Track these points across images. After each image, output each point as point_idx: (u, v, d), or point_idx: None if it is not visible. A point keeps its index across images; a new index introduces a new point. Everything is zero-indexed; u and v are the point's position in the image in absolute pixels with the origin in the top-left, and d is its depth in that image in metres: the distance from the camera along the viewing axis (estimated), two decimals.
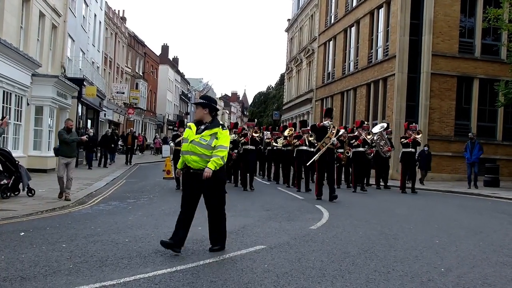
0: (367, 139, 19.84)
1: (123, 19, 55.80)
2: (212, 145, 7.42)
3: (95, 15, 38.02)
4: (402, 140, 20.22)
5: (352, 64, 37.67)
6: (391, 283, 6.02)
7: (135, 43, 59.75)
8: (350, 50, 38.36)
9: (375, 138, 20.43)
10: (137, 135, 53.77)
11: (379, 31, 33.10)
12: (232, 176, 21.01)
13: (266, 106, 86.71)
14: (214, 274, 6.20)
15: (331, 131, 15.53)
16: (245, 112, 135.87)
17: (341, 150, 20.21)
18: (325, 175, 15.83)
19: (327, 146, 15.31)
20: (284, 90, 65.77)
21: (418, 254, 7.76)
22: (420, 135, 20.40)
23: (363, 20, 35.34)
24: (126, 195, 15.98)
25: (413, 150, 19.98)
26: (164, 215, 11.66)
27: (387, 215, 12.59)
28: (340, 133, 16.14)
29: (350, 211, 12.93)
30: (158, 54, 76.76)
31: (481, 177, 24.34)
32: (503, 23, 24.88)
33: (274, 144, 22.16)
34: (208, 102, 7.74)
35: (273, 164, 23.76)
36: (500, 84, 25.39)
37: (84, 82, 30.16)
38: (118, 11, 54.33)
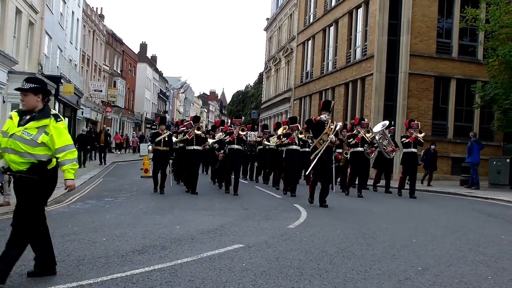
0: (366, 138, 17.84)
1: (101, 16, 55.35)
2: (39, 141, 5.71)
3: (72, 12, 37.68)
4: (403, 139, 18.41)
5: (330, 63, 37.81)
6: (369, 282, 6.04)
7: (113, 41, 59.33)
8: (328, 50, 38.50)
9: (377, 137, 18.50)
10: (116, 133, 53.60)
11: (357, 31, 33.27)
12: (217, 179, 19.60)
13: (245, 105, 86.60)
14: (192, 273, 6.17)
15: (329, 127, 13.63)
16: (223, 111, 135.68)
17: (340, 150, 18.06)
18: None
19: (325, 144, 13.41)
20: (263, 89, 65.78)
21: (395, 253, 7.81)
22: (423, 134, 18.65)
23: (341, 20, 35.49)
24: (104, 194, 15.89)
25: (414, 150, 18.17)
26: (141, 214, 11.62)
27: (365, 214, 12.63)
28: (338, 127, 14.14)
29: (328, 210, 12.96)
30: (136, 52, 76.29)
31: (457, 176, 24.58)
32: (480, 23, 25.08)
33: (266, 143, 20.33)
34: (41, 87, 6.01)
35: (263, 165, 22.34)
36: (476, 85, 25.66)
37: (62, 80, 29.92)
38: (96, 8, 53.87)
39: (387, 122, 19.42)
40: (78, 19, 40.04)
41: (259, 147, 21.14)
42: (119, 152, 47.88)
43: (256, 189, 19.15)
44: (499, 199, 17.35)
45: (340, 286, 5.82)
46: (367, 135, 17.99)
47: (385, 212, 13.32)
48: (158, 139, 16.74)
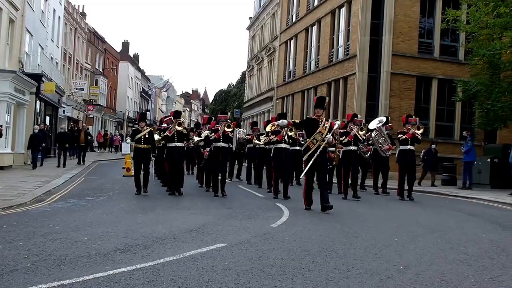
0: (359, 136, 16.71)
1: (83, 14, 55.03)
2: None
3: (54, 10, 37.32)
4: (400, 136, 16.82)
5: (313, 63, 37.92)
6: (351, 281, 6.06)
7: (95, 39, 59.00)
8: (311, 49, 38.62)
9: (373, 134, 17.62)
10: (98, 132, 53.25)
11: (340, 31, 33.41)
12: (204, 179, 18.19)
13: (227, 104, 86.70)
14: (175, 272, 6.15)
15: (323, 125, 12.51)
16: (206, 110, 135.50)
17: (332, 149, 16.61)
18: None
19: (318, 144, 12.32)
20: (245, 88, 65.85)
21: (377, 252, 7.84)
22: (421, 130, 16.83)
23: (324, 19, 35.60)
24: (85, 193, 15.77)
25: (412, 147, 16.68)
26: (124, 213, 11.56)
27: (348, 214, 12.66)
28: (335, 126, 13.04)
29: (311, 210, 12.97)
30: (118, 51, 75.96)
31: (439, 176, 24.74)
32: (461, 24, 25.32)
33: (256, 141, 19.18)
34: None
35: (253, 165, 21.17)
36: (459, 82, 25.79)
37: (43, 78, 29.60)
38: (78, 6, 53.61)
39: (384, 119, 18.31)
40: (59, 17, 39.67)
41: (248, 145, 20.46)
42: (99, 151, 47.69)
43: (239, 188, 19.12)
44: (480, 199, 17.54)
45: (323, 285, 5.83)
46: (361, 132, 16.89)
47: (367, 212, 13.34)
48: (138, 136, 15.81)
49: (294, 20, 42.83)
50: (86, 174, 23.62)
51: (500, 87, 22.66)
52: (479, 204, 16.37)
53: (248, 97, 60.80)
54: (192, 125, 36.47)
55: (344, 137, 16.71)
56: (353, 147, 16.74)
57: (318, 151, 12.26)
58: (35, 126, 25.70)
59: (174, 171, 15.93)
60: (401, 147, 16.87)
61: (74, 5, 50.63)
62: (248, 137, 20.47)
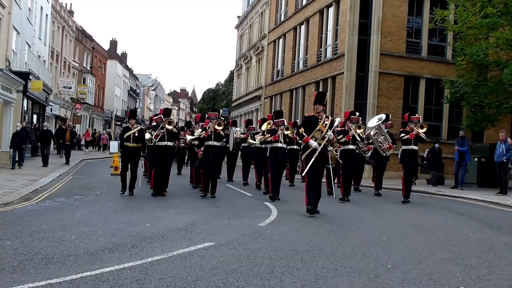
0: (356, 136, 15.65)
1: (71, 12, 54.79)
2: None
3: (41, 8, 37.14)
4: (402, 135, 15.90)
5: (301, 62, 37.93)
6: (339, 280, 6.07)
7: (83, 37, 58.71)
8: (299, 48, 38.63)
9: (372, 133, 16.71)
10: (86, 130, 52.96)
11: (328, 30, 33.45)
12: (200, 184, 16.41)
13: (215, 103, 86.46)
14: (163, 271, 6.14)
15: (323, 122, 11.67)
16: (194, 109, 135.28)
17: (330, 148, 15.56)
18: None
19: (317, 143, 11.50)
20: (234, 87, 65.80)
21: (365, 251, 7.86)
22: (424, 129, 15.68)
23: (312, 19, 35.63)
24: (73, 192, 15.70)
25: (415, 147, 15.80)
26: (111, 212, 11.53)
27: (335, 213, 12.69)
28: (336, 123, 12.23)
29: (298, 208, 12.94)
30: (106, 49, 75.71)
31: (427, 175, 24.82)
32: (449, 24, 25.46)
33: (250, 141, 18.42)
34: None
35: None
36: (446, 82, 25.87)
37: (30, 76, 29.48)
38: (66, 4, 53.30)
39: (383, 116, 17.36)
40: (47, 15, 39.48)
41: (243, 144, 19.68)
42: (87, 150, 47.52)
43: (226, 187, 19.09)
44: (467, 198, 17.62)
45: (311, 284, 5.84)
46: (358, 131, 15.78)
47: (355, 211, 13.37)
48: (127, 134, 15.05)
49: (282, 19, 42.84)
50: (73, 173, 23.50)
51: (487, 87, 22.78)
52: (467, 204, 16.44)
53: (237, 96, 60.76)
54: (182, 124, 36.10)
55: (341, 136, 15.55)
56: (352, 146, 15.64)
57: (317, 151, 11.43)
58: (18, 124, 24.78)
59: (157, 171, 15.05)
60: (404, 147, 15.91)
61: (62, 3, 50.37)
62: (243, 136, 19.66)
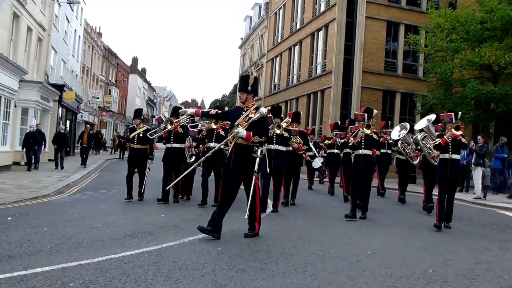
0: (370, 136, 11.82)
1: (99, 34, 54.76)
2: None
3: (75, 30, 37.36)
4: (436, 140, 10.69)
5: (295, 77, 37.90)
6: (326, 264, 6.06)
7: (109, 55, 58.70)
8: (293, 65, 38.59)
9: (419, 137, 11.89)
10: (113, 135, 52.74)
11: (318, 50, 33.43)
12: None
13: None
14: (176, 255, 6.13)
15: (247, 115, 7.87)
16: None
17: (311, 153, 14.33)
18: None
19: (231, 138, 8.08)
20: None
21: (348, 240, 7.85)
22: (460, 131, 9.66)
23: (305, 41, 35.62)
24: (99, 186, 15.68)
25: (456, 156, 9.78)
26: (131, 204, 11.52)
27: (324, 207, 12.70)
28: (259, 115, 7.76)
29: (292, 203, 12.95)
30: (129, 65, 75.62)
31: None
32: (420, 47, 25.96)
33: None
34: None
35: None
36: (418, 96, 26.11)
37: (64, 88, 29.57)
38: (95, 27, 53.26)
39: (433, 116, 12.19)
40: (79, 36, 39.60)
41: None
42: (110, 152, 47.53)
43: None
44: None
45: (302, 267, 5.82)
46: (367, 131, 11.95)
47: (341, 206, 13.33)
48: (132, 135, 12.26)
49: (279, 40, 42.80)
50: (100, 170, 23.49)
51: (452, 101, 22.96)
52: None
53: None
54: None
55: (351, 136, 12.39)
56: (367, 151, 11.50)
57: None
58: (31, 124, 21.79)
59: (168, 177, 11.65)
60: (441, 156, 9.95)
61: (92, 26, 50.37)
62: None
